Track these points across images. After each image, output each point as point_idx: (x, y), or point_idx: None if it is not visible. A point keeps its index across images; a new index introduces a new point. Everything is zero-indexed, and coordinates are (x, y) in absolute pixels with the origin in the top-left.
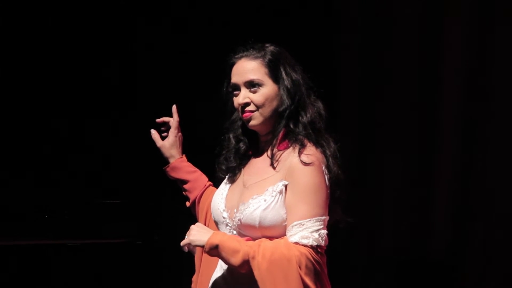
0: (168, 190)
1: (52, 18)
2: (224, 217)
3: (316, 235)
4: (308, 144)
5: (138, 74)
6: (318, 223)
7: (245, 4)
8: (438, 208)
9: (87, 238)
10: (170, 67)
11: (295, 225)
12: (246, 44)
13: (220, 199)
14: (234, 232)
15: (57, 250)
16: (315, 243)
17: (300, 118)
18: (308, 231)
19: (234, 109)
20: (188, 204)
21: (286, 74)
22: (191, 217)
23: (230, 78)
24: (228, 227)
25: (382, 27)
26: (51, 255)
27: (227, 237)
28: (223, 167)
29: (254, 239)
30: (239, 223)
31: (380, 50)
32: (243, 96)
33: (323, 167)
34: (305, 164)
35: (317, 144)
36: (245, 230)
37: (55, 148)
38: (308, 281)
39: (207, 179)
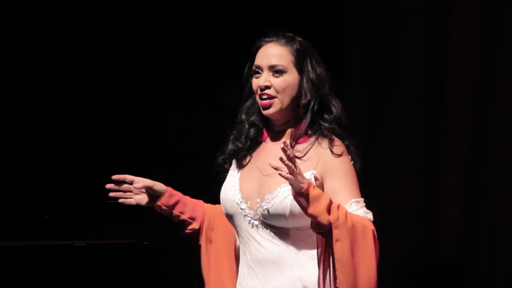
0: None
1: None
2: (242, 209)
3: (370, 212)
4: (333, 137)
5: (145, 76)
6: (365, 203)
7: None
8: (446, 209)
9: (94, 238)
10: (173, 68)
11: (352, 202)
12: (277, 30)
13: (233, 190)
14: (256, 222)
15: (64, 250)
16: (372, 219)
17: (325, 113)
18: (365, 209)
19: (251, 92)
20: (196, 226)
21: (312, 67)
22: None
23: (253, 60)
24: (248, 218)
25: (390, 22)
26: (58, 255)
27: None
28: (231, 147)
29: (279, 229)
30: (265, 213)
31: (388, 48)
32: (264, 79)
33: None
34: (338, 155)
35: (342, 139)
36: (272, 220)
37: (62, 147)
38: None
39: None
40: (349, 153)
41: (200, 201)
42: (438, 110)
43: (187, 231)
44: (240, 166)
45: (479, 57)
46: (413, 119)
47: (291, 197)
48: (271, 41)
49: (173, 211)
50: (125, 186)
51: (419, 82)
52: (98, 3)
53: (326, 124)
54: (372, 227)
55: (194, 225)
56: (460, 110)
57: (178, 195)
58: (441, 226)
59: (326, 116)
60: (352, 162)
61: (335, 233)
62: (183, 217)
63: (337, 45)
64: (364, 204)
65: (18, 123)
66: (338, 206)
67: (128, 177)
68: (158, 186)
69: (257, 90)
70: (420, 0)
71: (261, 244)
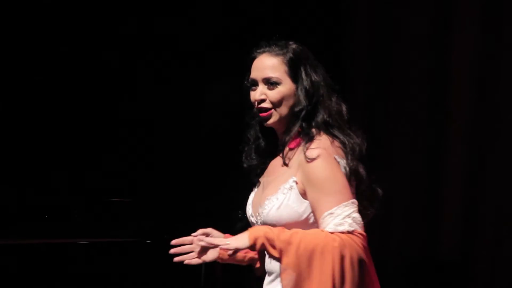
0: (179, 189)
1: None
2: (253, 223)
3: (349, 220)
4: (318, 136)
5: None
6: (347, 208)
7: None
8: (448, 208)
9: (97, 237)
10: (173, 65)
11: (326, 216)
12: (270, 39)
13: (248, 205)
14: None
15: (67, 249)
16: (351, 228)
17: (316, 118)
18: (340, 218)
19: (251, 104)
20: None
21: (306, 74)
22: (201, 216)
23: (250, 72)
24: None
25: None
26: (61, 254)
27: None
28: (245, 166)
29: None
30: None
31: (390, 50)
32: (260, 92)
33: (334, 155)
34: (311, 160)
35: (333, 136)
36: None
37: (65, 146)
38: (348, 270)
39: None
40: (345, 153)
41: None
42: (440, 111)
43: (257, 267)
44: (257, 181)
45: (480, 60)
46: (414, 119)
47: (275, 208)
48: (264, 51)
49: (237, 254)
50: (187, 247)
51: (420, 83)
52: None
53: (314, 128)
54: (334, 243)
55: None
56: (462, 110)
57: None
58: (442, 226)
59: (316, 119)
60: (337, 158)
61: (284, 261)
62: (250, 254)
63: (338, 47)
64: (343, 209)
65: (20, 120)
66: (291, 235)
67: (187, 239)
68: (215, 234)
69: (254, 103)
70: (421, 2)
71: (267, 255)
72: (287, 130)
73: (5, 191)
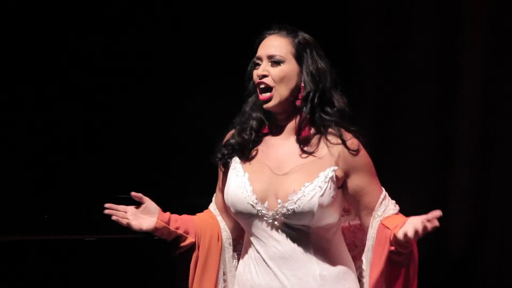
0: (185, 185)
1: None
2: (258, 210)
3: (393, 201)
4: (342, 130)
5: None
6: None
7: None
8: (456, 205)
9: (105, 233)
10: (170, 64)
11: (382, 200)
12: (282, 24)
13: (245, 192)
14: (276, 222)
15: (75, 245)
16: (398, 207)
17: (326, 106)
18: (391, 200)
19: (254, 87)
20: (192, 239)
21: (312, 59)
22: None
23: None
24: (265, 218)
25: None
26: (69, 250)
27: None
28: (238, 140)
29: (300, 227)
30: (289, 213)
31: (397, 44)
32: (262, 68)
33: None
34: (357, 151)
35: (349, 130)
36: (295, 219)
37: (71, 143)
38: None
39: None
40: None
41: (187, 215)
42: (447, 107)
43: (183, 244)
44: (246, 164)
45: (488, 53)
46: (423, 117)
47: (318, 195)
48: (273, 33)
49: (169, 227)
50: (121, 214)
51: (428, 80)
52: None
53: (327, 117)
54: None
55: (190, 239)
56: (469, 108)
57: (167, 213)
58: (450, 224)
59: (327, 108)
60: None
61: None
62: (179, 232)
63: (346, 42)
64: (386, 194)
65: (29, 118)
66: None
67: (121, 207)
68: (151, 204)
69: (256, 80)
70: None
71: (280, 242)
72: (293, 114)
73: (12, 187)
